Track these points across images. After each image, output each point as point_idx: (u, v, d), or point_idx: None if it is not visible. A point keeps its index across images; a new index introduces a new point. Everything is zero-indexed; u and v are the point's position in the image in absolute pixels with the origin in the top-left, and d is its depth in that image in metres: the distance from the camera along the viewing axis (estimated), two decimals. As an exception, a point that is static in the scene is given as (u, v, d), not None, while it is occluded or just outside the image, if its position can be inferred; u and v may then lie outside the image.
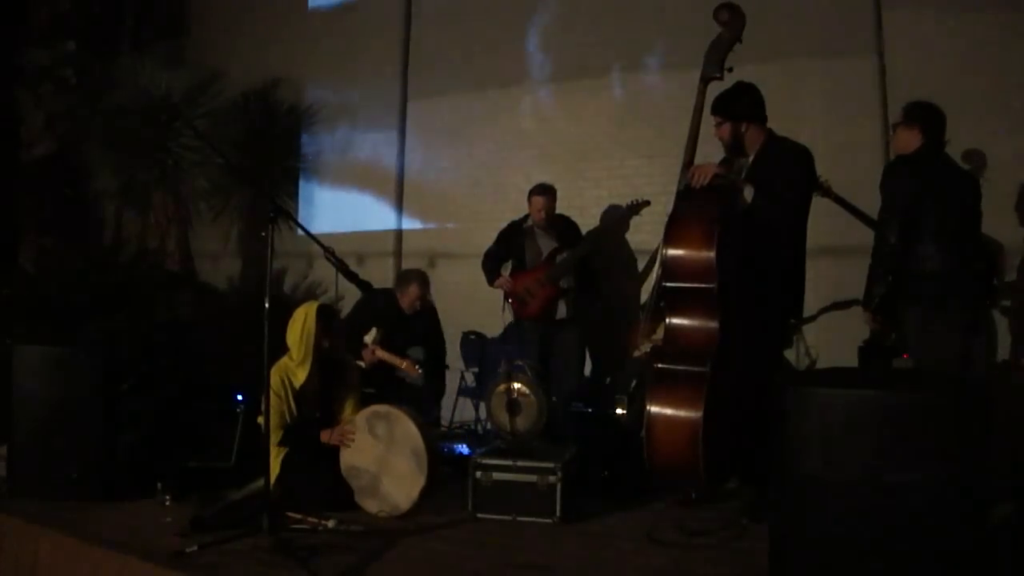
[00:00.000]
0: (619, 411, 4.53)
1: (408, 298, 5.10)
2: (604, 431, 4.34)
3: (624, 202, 5.39)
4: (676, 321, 3.45)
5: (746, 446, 3.43)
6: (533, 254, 5.15)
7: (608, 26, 5.85)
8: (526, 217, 5.23)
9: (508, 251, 5.23)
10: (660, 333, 3.97)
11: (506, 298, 5.25)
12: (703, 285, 3.34)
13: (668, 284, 3.45)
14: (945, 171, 3.56)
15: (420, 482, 3.59)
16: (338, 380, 3.94)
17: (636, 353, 4.32)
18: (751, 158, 3.60)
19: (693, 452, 3.23)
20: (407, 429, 3.68)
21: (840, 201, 4.15)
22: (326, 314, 3.88)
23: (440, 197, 6.46)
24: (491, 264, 5.26)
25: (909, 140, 3.58)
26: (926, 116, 3.58)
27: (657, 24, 5.64)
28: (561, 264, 5.06)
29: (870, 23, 4.94)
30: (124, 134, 6.53)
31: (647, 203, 5.16)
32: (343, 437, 3.74)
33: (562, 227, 5.20)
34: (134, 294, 5.97)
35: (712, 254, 3.31)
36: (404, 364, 4.82)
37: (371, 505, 3.65)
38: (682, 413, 3.28)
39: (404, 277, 5.21)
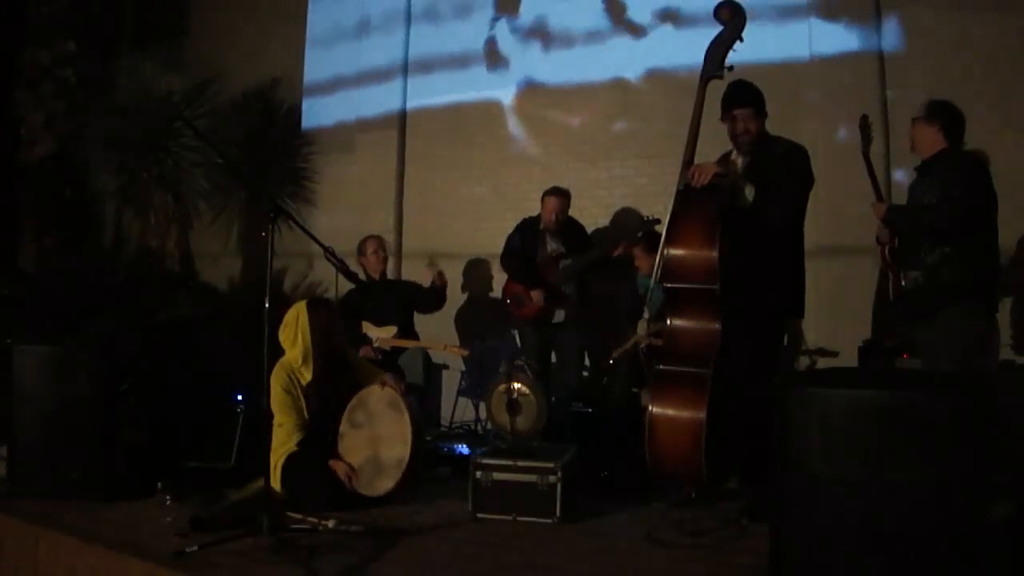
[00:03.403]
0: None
1: (370, 259, 5.30)
2: (604, 431, 4.35)
3: (628, 204, 5.42)
4: (678, 322, 3.44)
5: (746, 446, 3.44)
6: (543, 256, 5.17)
7: (608, 26, 5.85)
8: (539, 217, 5.23)
9: (526, 246, 5.21)
10: (635, 338, 3.98)
11: (504, 298, 5.26)
12: (705, 286, 3.33)
13: (669, 285, 3.43)
14: (982, 170, 3.57)
15: (405, 420, 3.64)
16: (342, 374, 3.89)
17: (616, 354, 4.34)
18: (746, 157, 3.60)
19: (695, 453, 3.24)
20: (376, 394, 3.75)
21: (870, 171, 4.05)
22: (318, 308, 3.85)
23: (440, 197, 6.47)
24: (516, 261, 5.22)
25: (934, 141, 3.56)
26: (950, 118, 3.56)
27: (657, 23, 5.65)
28: (563, 271, 5.07)
29: (870, 23, 4.94)
30: (124, 134, 6.53)
31: (658, 221, 5.15)
32: (346, 477, 3.63)
33: (571, 232, 5.21)
34: (134, 294, 5.97)
35: (714, 254, 3.29)
36: (444, 347, 5.05)
37: (381, 485, 3.61)
38: (684, 414, 3.28)
39: (359, 245, 5.38)
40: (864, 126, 3.95)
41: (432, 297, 5.36)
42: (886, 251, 3.74)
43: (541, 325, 5.11)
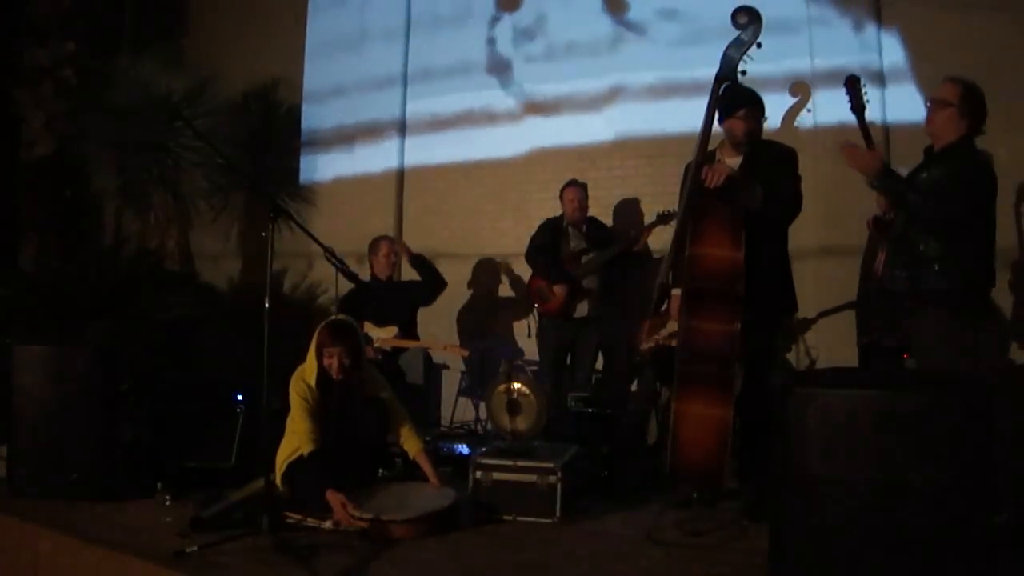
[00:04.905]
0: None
1: (380, 260, 5.33)
2: (604, 431, 4.35)
3: (628, 204, 5.42)
4: (701, 322, 3.43)
5: (746, 445, 3.45)
6: (566, 252, 5.19)
7: (608, 24, 5.86)
8: (562, 215, 5.25)
9: (550, 243, 5.22)
10: (667, 331, 4.00)
11: (528, 294, 5.29)
12: (729, 286, 3.35)
13: (693, 285, 3.45)
14: (985, 165, 3.37)
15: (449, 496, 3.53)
16: (352, 396, 3.71)
17: (642, 347, 4.32)
18: (737, 157, 3.63)
19: (720, 452, 3.29)
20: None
21: (861, 124, 3.84)
22: (324, 336, 3.67)
23: (440, 197, 6.47)
24: (541, 257, 5.22)
25: (948, 128, 3.32)
26: (976, 106, 3.32)
27: (657, 23, 5.66)
28: (586, 265, 5.10)
29: (870, 23, 4.94)
30: (124, 134, 6.53)
31: (675, 215, 5.16)
32: (342, 516, 3.32)
33: (593, 228, 5.25)
34: (134, 294, 5.96)
35: (740, 255, 3.35)
36: (444, 347, 5.11)
37: (396, 514, 3.33)
38: (711, 414, 3.31)
39: (372, 244, 5.44)
40: (853, 86, 3.75)
41: (424, 283, 5.39)
42: (879, 224, 3.63)
43: (562, 321, 5.12)
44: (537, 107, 6.10)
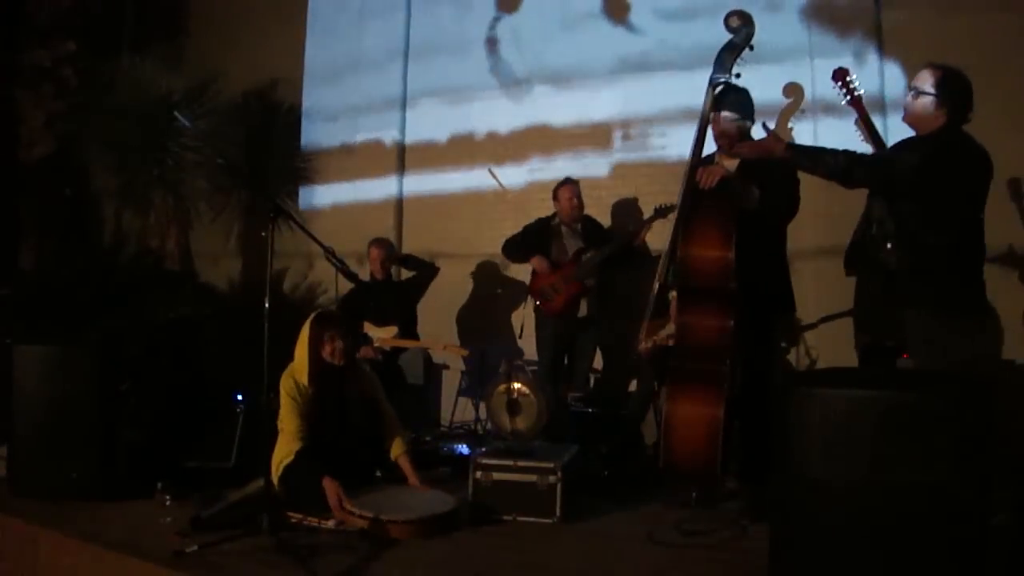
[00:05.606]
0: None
1: (373, 262, 5.45)
2: (604, 431, 4.36)
3: (626, 203, 5.41)
4: (694, 320, 3.48)
5: (746, 445, 3.46)
6: (559, 252, 5.19)
7: (607, 25, 5.86)
8: (554, 215, 5.24)
9: (535, 245, 5.22)
10: (666, 331, 4.02)
11: (531, 296, 5.30)
12: (721, 285, 3.39)
13: (686, 284, 3.49)
14: (963, 156, 3.08)
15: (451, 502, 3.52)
16: (348, 393, 3.74)
17: (641, 346, 4.33)
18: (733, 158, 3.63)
19: (712, 450, 3.31)
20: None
21: (867, 121, 3.89)
22: (321, 323, 3.72)
23: (440, 197, 6.47)
24: (516, 248, 5.28)
25: (927, 117, 3.10)
26: (955, 93, 3.07)
27: (656, 23, 5.66)
28: (587, 263, 5.10)
29: (870, 23, 4.94)
30: (124, 134, 6.53)
31: (673, 208, 5.16)
32: (335, 507, 3.34)
33: (589, 227, 5.25)
34: (134, 294, 5.96)
35: (731, 255, 3.38)
36: (444, 347, 5.15)
37: (396, 515, 3.33)
38: (702, 411, 3.34)
39: (367, 248, 5.55)
40: (843, 78, 3.74)
41: (417, 276, 5.51)
42: None
43: (562, 320, 5.12)
44: (539, 115, 6.10)
